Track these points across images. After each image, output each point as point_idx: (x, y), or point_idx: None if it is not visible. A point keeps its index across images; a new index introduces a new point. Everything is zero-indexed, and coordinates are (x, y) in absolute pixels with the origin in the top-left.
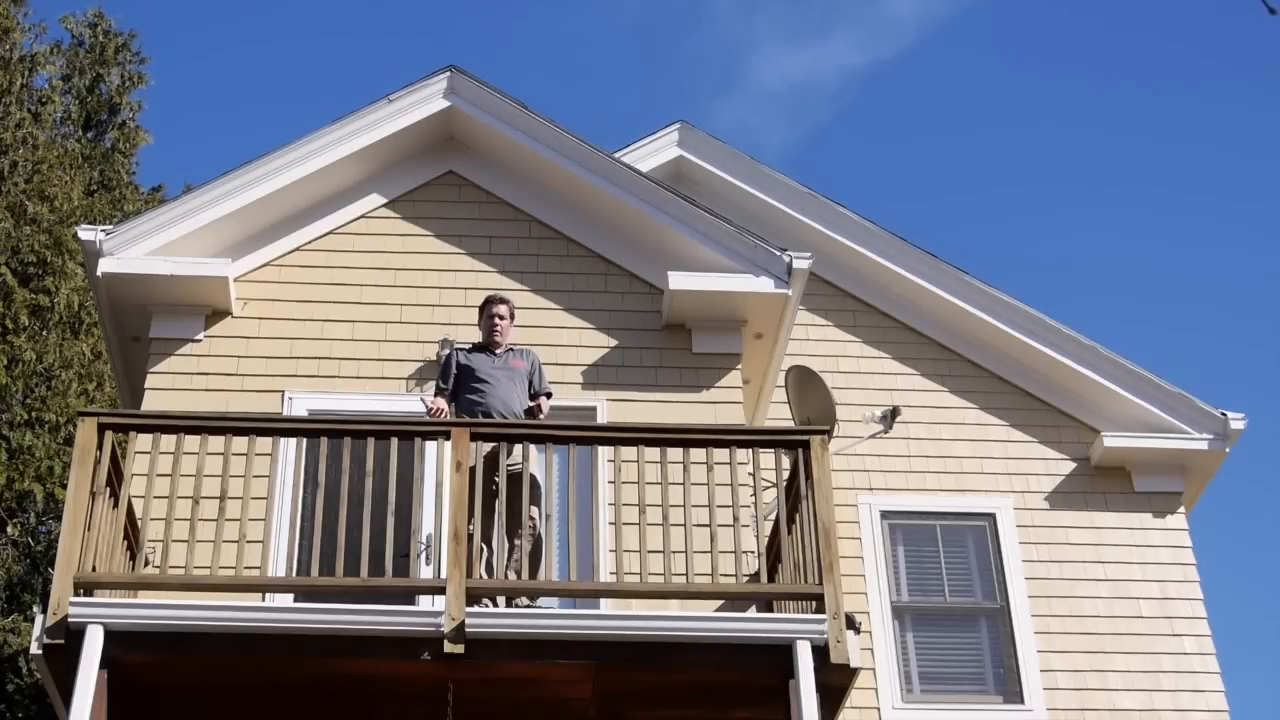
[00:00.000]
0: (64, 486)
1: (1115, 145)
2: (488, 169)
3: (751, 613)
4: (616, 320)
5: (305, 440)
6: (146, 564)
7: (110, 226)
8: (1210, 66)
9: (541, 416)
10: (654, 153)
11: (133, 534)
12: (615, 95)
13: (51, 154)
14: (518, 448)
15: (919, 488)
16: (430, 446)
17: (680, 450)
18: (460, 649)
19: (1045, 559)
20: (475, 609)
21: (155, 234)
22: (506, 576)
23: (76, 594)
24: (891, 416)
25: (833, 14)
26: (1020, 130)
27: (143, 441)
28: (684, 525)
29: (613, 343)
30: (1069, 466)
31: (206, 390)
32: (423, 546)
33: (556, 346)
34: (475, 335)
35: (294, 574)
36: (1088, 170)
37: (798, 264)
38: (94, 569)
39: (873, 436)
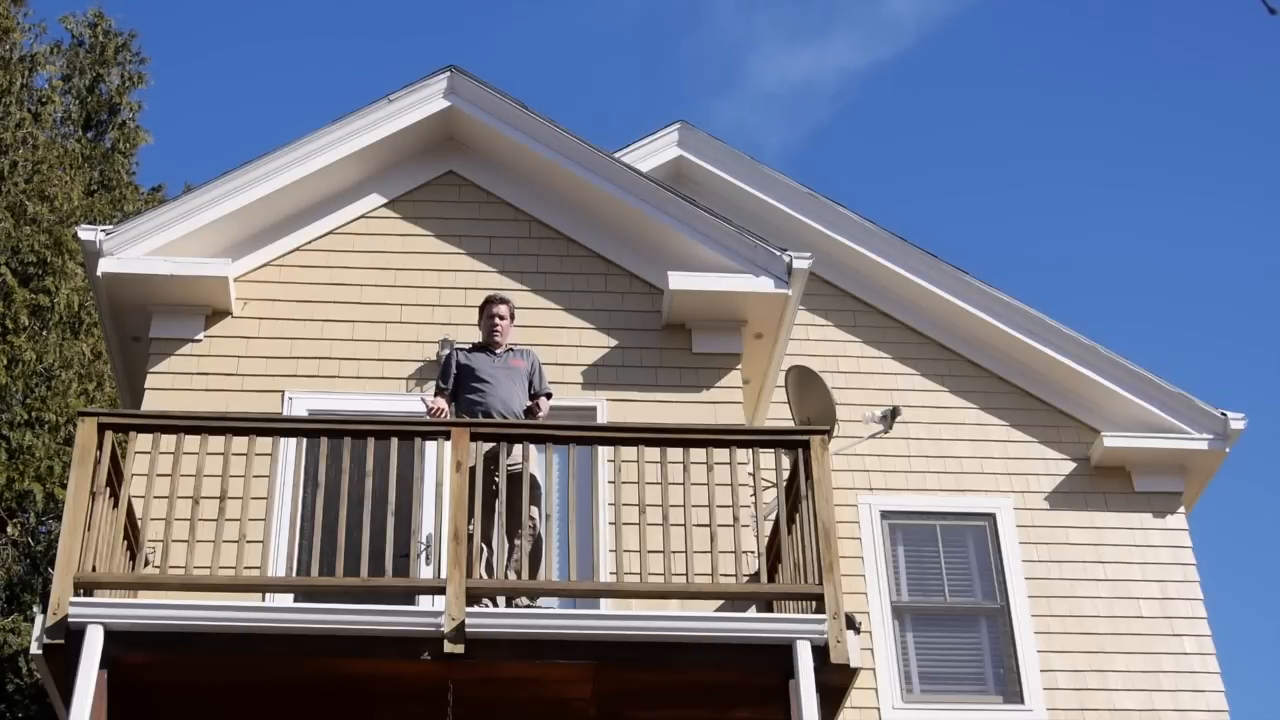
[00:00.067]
0: (64, 486)
1: (1115, 145)
2: (488, 169)
3: (751, 613)
4: (616, 320)
5: (305, 440)
6: (146, 564)
7: (110, 226)
8: (1210, 66)
9: (540, 417)
10: (654, 153)
11: (133, 534)
12: (615, 95)
13: (51, 154)
14: (518, 448)
15: (919, 488)
16: (430, 446)
17: (680, 450)
18: (460, 649)
19: (1045, 559)
20: (475, 609)
21: (155, 234)
22: (506, 576)
23: (76, 594)
24: (891, 416)
25: (832, 14)
26: (1020, 130)
27: (143, 441)
28: (684, 525)
29: (613, 343)
30: (1069, 466)
31: (206, 390)
32: (423, 546)
33: (556, 346)
34: (475, 335)
35: (294, 574)
36: (1087, 170)
37: (798, 264)
38: (94, 569)
39: (873, 436)
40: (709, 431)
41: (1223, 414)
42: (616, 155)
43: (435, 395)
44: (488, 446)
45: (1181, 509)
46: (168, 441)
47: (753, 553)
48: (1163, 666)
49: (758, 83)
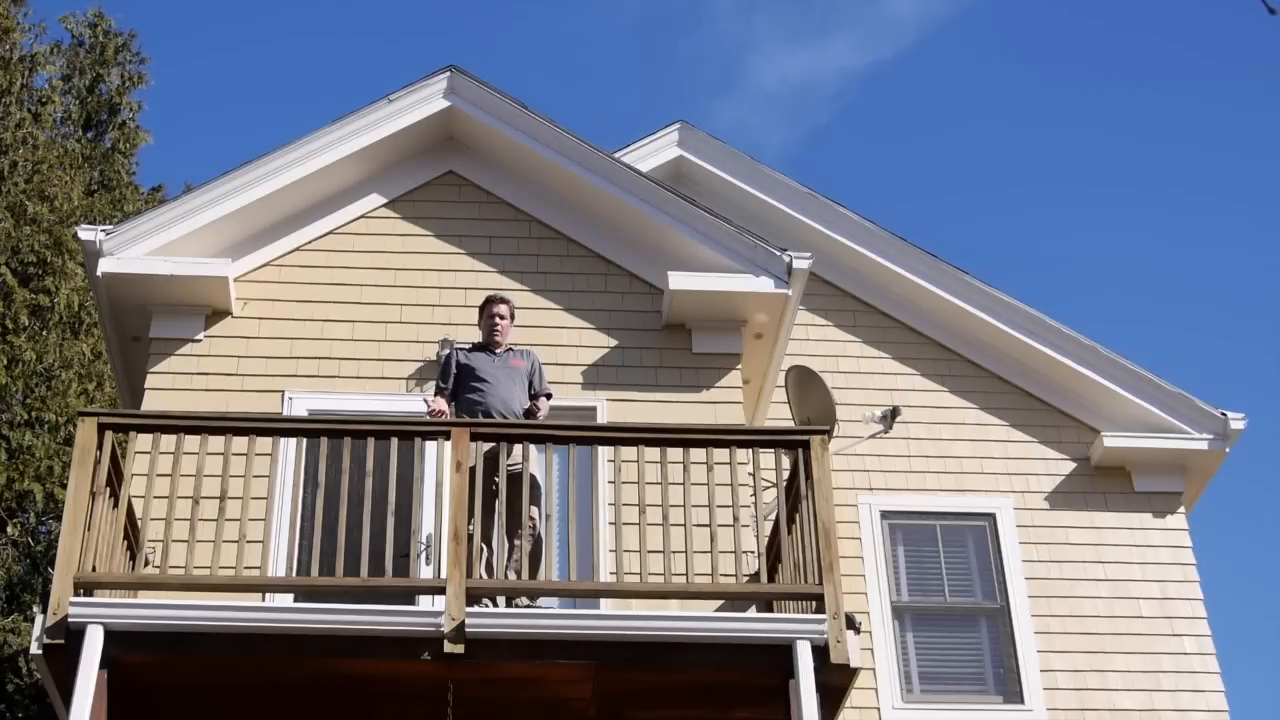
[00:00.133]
0: (64, 486)
1: (1115, 145)
2: (488, 169)
3: (751, 613)
4: (616, 320)
5: (305, 440)
6: (146, 564)
7: (110, 226)
8: (1210, 66)
9: (540, 417)
10: (654, 153)
11: (133, 534)
12: (615, 95)
13: (51, 154)
14: (518, 448)
15: (919, 488)
16: (430, 446)
17: (680, 450)
18: (460, 649)
19: (1045, 559)
20: (475, 609)
21: (155, 234)
22: (506, 576)
23: (76, 594)
24: (891, 416)
25: (832, 14)
26: (1020, 130)
27: (143, 441)
28: (684, 525)
29: (613, 343)
30: (1069, 466)
31: (206, 390)
32: (423, 546)
33: (556, 346)
34: (475, 335)
35: (294, 574)
36: (1087, 170)
37: (798, 264)
38: (94, 569)
39: (873, 436)
40: (709, 431)
41: (1223, 414)
42: (616, 155)
43: (435, 395)
44: (488, 446)
45: (1181, 509)
46: (168, 441)
47: (753, 553)
48: (1163, 666)
49: (757, 83)
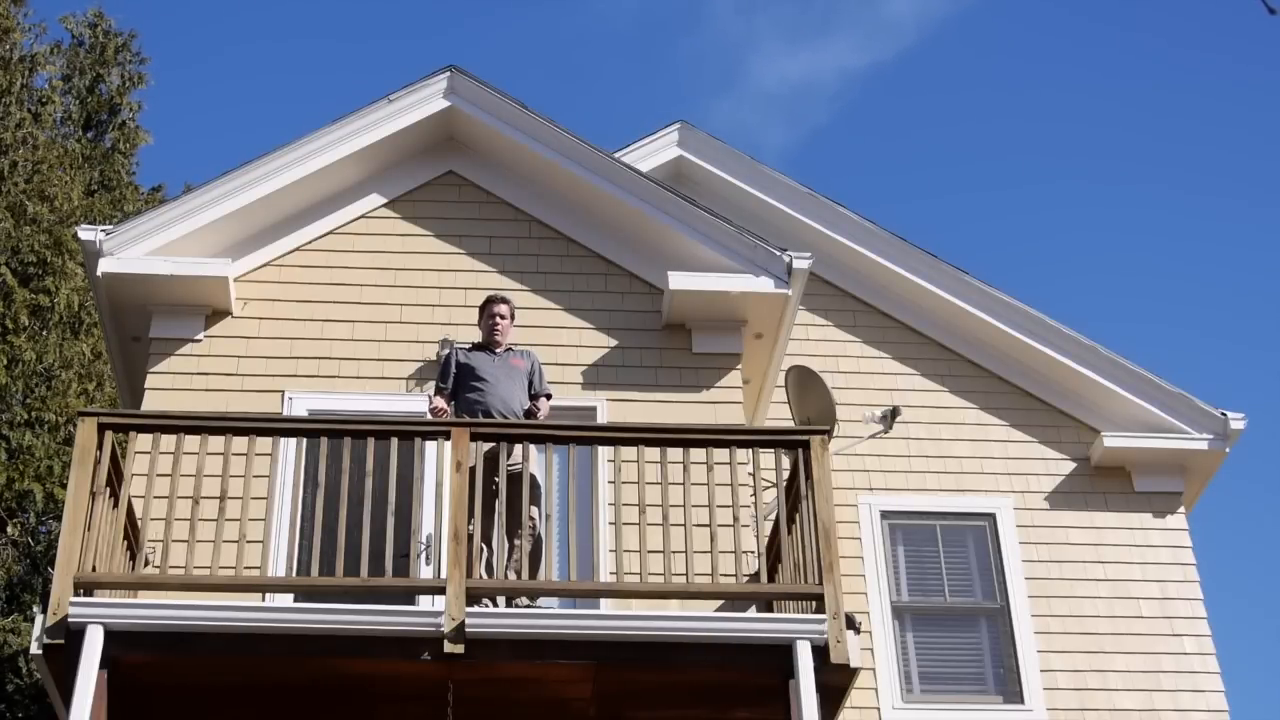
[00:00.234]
0: (64, 486)
1: (1115, 145)
2: (488, 169)
3: (751, 613)
4: (616, 320)
5: (305, 440)
6: (146, 564)
7: (110, 226)
8: (1210, 66)
9: (540, 417)
10: (654, 153)
11: (133, 534)
12: (615, 95)
13: (51, 154)
14: (518, 448)
15: (919, 488)
16: (430, 446)
17: (680, 450)
18: (460, 649)
19: (1045, 559)
20: (475, 609)
21: (155, 234)
22: (506, 576)
23: (76, 594)
24: (891, 416)
25: (832, 15)
26: (1020, 130)
27: (143, 441)
28: (684, 525)
29: (613, 343)
30: (1069, 466)
31: (206, 390)
32: (423, 546)
33: (556, 346)
34: (475, 335)
35: (294, 574)
36: (1087, 170)
37: (798, 264)
38: (94, 569)
39: (873, 436)
40: (709, 431)
41: (1223, 414)
42: (616, 155)
43: (434, 395)
44: (487, 446)
45: (1181, 509)
46: (168, 441)
47: (753, 553)
48: (1163, 666)
49: (757, 83)
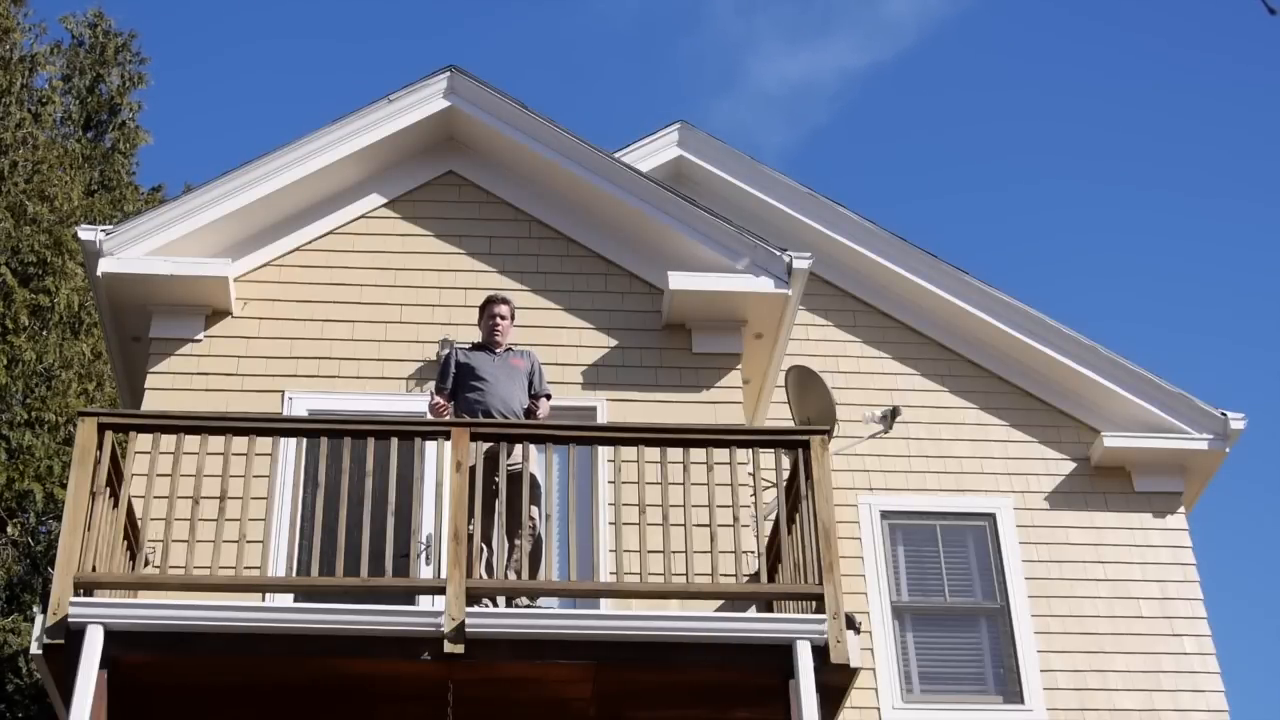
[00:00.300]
0: (64, 486)
1: (1115, 145)
2: (488, 169)
3: (751, 613)
4: (616, 320)
5: (305, 440)
6: (146, 564)
7: (110, 226)
8: (1210, 66)
9: (540, 418)
10: (654, 153)
11: (133, 534)
12: (615, 95)
13: (51, 154)
14: (518, 447)
15: (919, 488)
16: (430, 446)
17: (680, 450)
18: (460, 649)
19: (1045, 559)
20: (475, 609)
21: (155, 234)
22: (506, 576)
23: (76, 594)
24: (891, 416)
25: (832, 15)
26: (1020, 130)
27: (143, 441)
28: (684, 525)
29: (613, 343)
30: (1069, 466)
31: (206, 390)
32: (423, 546)
33: (556, 346)
34: (475, 335)
35: (294, 574)
36: (1087, 170)
37: (798, 264)
38: (94, 569)
39: (873, 436)
40: (709, 431)
41: (1223, 414)
42: (616, 155)
43: (435, 395)
44: (487, 446)
45: (1181, 509)
46: (168, 441)
47: (753, 553)
48: (1163, 666)
49: (757, 83)
